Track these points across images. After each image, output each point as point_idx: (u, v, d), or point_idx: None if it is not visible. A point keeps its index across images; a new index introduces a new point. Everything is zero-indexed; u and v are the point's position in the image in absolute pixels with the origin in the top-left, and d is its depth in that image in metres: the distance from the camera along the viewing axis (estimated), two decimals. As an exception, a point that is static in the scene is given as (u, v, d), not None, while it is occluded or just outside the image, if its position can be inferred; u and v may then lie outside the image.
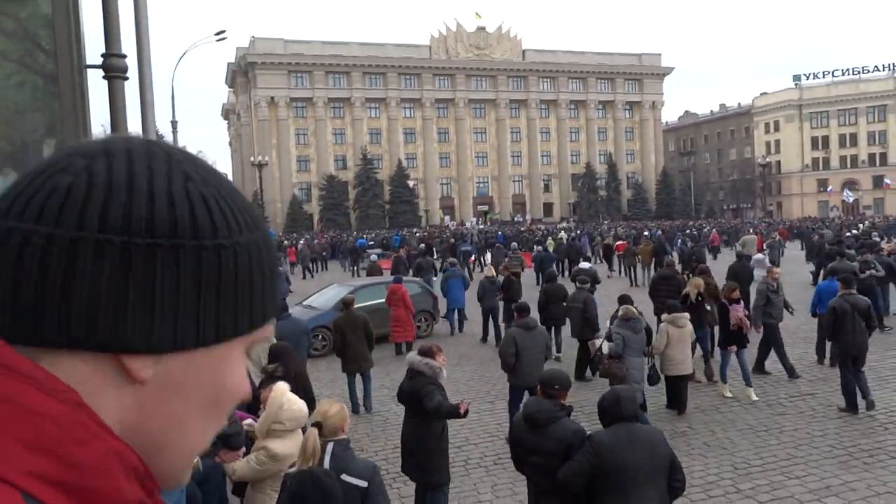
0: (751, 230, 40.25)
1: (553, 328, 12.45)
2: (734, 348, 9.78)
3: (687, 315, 9.52)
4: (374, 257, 24.20)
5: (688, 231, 44.17)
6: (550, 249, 28.28)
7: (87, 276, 0.54)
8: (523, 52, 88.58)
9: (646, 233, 36.98)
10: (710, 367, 10.83)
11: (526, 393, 7.90)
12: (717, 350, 10.90)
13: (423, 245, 32.70)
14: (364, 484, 3.15)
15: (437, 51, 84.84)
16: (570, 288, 12.82)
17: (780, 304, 11.12)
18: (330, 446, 3.26)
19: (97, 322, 0.55)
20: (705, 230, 44.57)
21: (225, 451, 3.19)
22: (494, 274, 15.80)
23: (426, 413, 5.29)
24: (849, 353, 8.91)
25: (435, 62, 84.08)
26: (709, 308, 10.85)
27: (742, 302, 14.71)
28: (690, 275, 13.05)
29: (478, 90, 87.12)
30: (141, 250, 0.55)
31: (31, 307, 0.54)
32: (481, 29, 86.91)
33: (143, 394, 0.59)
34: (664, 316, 9.74)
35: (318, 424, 3.29)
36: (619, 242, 30.25)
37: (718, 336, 10.24)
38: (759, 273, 19.96)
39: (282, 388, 4.02)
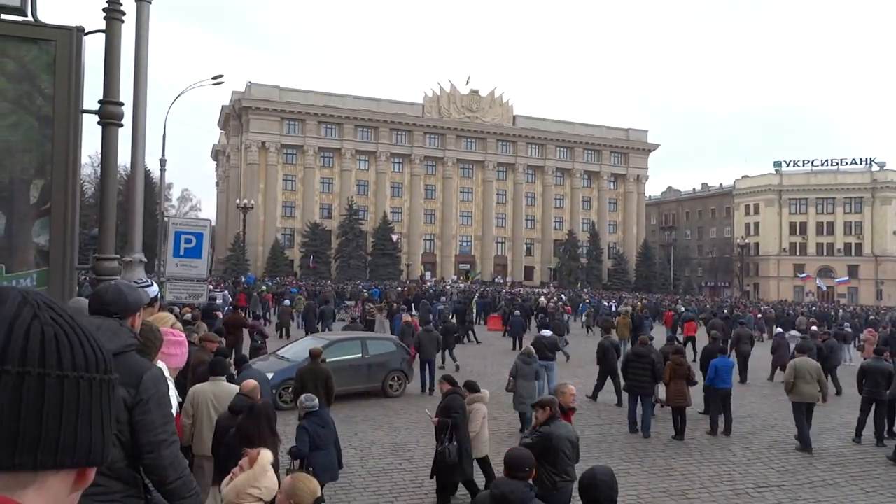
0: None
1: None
2: None
3: None
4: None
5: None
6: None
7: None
8: (514, 117, 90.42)
9: (623, 308, 36.12)
10: None
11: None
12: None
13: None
14: None
15: (429, 109, 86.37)
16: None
17: None
18: None
19: (77, 441, 0.71)
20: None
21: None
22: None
23: None
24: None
25: (427, 120, 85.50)
26: None
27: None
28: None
29: (467, 151, 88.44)
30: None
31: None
32: (474, 92, 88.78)
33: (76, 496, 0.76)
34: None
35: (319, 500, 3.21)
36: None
37: None
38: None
39: (268, 455, 3.98)
